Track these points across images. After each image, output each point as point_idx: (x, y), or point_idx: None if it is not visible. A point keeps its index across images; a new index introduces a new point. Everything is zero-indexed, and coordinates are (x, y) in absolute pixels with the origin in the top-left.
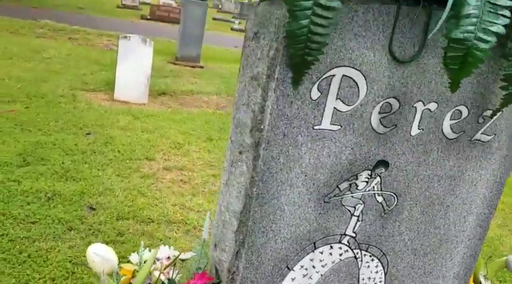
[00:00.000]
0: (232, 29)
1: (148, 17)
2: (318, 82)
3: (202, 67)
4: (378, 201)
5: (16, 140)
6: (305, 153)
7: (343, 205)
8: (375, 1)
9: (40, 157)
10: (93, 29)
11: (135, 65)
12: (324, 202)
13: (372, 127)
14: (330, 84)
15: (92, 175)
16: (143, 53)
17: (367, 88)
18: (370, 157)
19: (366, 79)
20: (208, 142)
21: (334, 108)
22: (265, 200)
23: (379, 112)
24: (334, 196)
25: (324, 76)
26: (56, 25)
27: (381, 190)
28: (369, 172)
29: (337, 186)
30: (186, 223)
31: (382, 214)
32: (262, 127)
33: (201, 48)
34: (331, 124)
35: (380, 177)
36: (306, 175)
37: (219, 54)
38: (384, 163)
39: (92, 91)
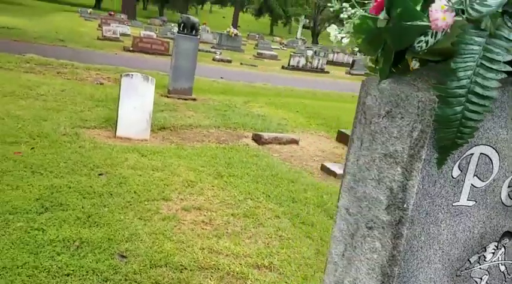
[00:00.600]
0: (213, 60)
1: (131, 49)
2: (458, 161)
3: (194, 99)
4: (500, 270)
5: (30, 184)
6: (443, 230)
7: (472, 277)
8: (511, 84)
9: (58, 202)
10: (80, 63)
11: (137, 102)
12: (456, 276)
13: (501, 201)
14: (469, 162)
15: (115, 220)
16: (145, 90)
17: (499, 164)
18: (497, 229)
19: (499, 155)
20: (220, 179)
21: (471, 184)
22: (405, 279)
23: (508, 186)
24: (465, 269)
25: (464, 155)
26: (42, 59)
27: (504, 260)
28: (496, 243)
29: (468, 259)
30: (218, 268)
31: (503, 282)
32: (405, 206)
33: (193, 81)
34: (467, 200)
35: (504, 247)
36: (442, 251)
37: (207, 86)
38: (508, 234)
39: (93, 129)
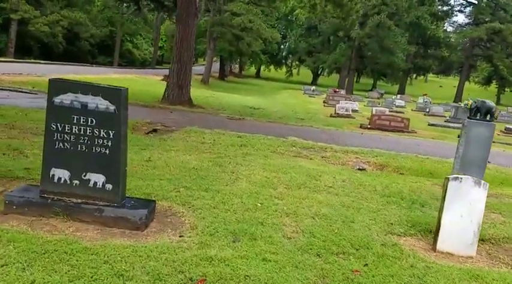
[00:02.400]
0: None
1: (368, 126)
2: None
3: None
4: None
5: None
6: None
7: None
8: None
9: None
10: (335, 145)
11: (463, 209)
12: None
13: None
14: None
15: None
16: (476, 197)
17: None
18: None
19: None
20: None
21: None
22: None
23: None
24: None
25: None
26: (304, 142)
27: None
28: None
29: None
30: None
31: None
32: None
33: (483, 172)
34: None
35: None
36: None
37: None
38: None
39: (403, 236)
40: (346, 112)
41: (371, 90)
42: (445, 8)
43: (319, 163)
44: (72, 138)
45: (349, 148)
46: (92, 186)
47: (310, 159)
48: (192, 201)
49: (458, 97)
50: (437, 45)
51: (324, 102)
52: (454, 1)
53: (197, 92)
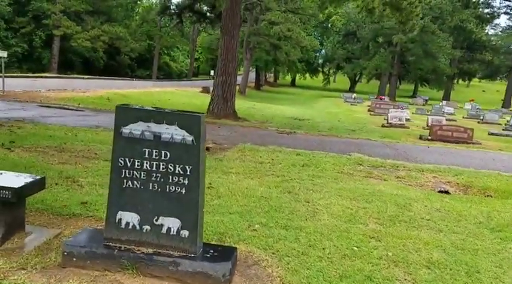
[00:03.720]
0: None
1: (429, 137)
2: None
3: None
4: None
5: None
6: None
7: None
8: None
9: None
10: (408, 162)
11: None
12: None
13: None
14: None
15: None
16: None
17: None
18: None
19: None
20: None
21: None
22: None
23: None
24: None
25: None
26: (372, 160)
27: None
28: None
29: None
30: None
31: None
32: None
33: None
34: None
35: None
36: None
37: None
38: None
39: None
40: (399, 122)
41: (414, 96)
42: (488, 11)
43: (397, 185)
44: (142, 175)
45: (423, 165)
46: (164, 232)
47: (385, 179)
48: (274, 243)
49: (506, 103)
50: (483, 48)
51: (369, 110)
52: (500, 3)
53: (237, 103)
